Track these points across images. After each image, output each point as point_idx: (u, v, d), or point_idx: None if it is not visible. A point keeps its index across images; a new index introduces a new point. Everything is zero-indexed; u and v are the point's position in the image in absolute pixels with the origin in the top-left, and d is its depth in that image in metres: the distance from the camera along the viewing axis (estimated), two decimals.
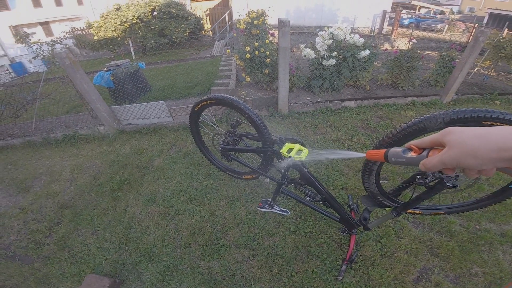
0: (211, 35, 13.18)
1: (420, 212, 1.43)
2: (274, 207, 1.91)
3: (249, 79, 4.31)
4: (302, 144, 1.41)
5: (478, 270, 1.64)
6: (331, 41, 3.69)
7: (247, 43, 4.40)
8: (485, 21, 16.99)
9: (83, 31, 12.98)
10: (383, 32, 10.15)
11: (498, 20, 16.20)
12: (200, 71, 6.59)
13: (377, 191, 1.32)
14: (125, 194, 2.45)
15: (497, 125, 0.88)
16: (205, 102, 1.82)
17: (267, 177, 1.86)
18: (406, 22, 15.26)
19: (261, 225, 1.99)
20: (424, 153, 0.50)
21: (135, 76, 4.78)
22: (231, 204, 2.20)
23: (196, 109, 1.95)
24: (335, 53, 3.72)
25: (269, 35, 4.48)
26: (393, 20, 10.09)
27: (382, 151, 0.65)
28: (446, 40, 9.23)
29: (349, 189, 2.24)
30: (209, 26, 14.92)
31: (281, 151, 1.37)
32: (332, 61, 3.70)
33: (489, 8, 17.96)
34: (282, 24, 2.85)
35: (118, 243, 2.01)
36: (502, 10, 18.03)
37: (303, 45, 4.06)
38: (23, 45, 4.52)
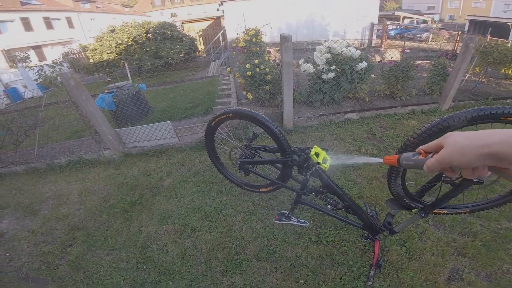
0: (205, 56, 13.46)
1: (446, 211, 1.45)
2: (292, 219, 1.90)
3: (251, 96, 4.38)
4: (327, 151, 1.45)
5: (509, 267, 1.65)
6: (329, 54, 3.83)
7: (247, 60, 4.52)
8: (466, 28, 17.81)
9: (78, 55, 13.06)
10: (372, 45, 10.58)
11: (478, 26, 16.96)
12: (199, 92, 6.67)
13: (403, 193, 1.35)
14: (138, 214, 2.41)
15: None
16: (222, 117, 1.86)
17: (287, 187, 1.87)
18: (392, 33, 15.93)
19: (280, 237, 1.97)
20: (430, 155, 0.53)
21: (137, 97, 4.81)
22: (247, 218, 2.17)
23: (212, 124, 1.98)
24: (334, 66, 3.85)
25: (266, 52, 4.62)
26: (380, 32, 10.57)
27: (396, 156, 0.69)
28: (434, 49, 9.66)
29: (364, 197, 2.26)
30: (203, 47, 15.29)
31: (310, 153, 1.40)
32: (332, 75, 3.82)
33: (469, 15, 18.84)
34: (284, 39, 2.96)
35: (136, 262, 1.96)
36: (481, 16, 18.94)
37: (301, 61, 4.20)
38: (17, 70, 4.53)
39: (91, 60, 10.89)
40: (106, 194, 2.79)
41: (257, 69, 4.14)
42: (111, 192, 2.79)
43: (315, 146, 1.45)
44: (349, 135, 3.34)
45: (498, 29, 14.44)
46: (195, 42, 12.32)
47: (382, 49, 9.88)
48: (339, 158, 1.38)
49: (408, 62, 3.92)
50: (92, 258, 2.07)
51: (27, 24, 19.37)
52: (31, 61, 11.74)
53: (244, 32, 5.31)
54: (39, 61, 16.55)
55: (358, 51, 3.85)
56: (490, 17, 19.36)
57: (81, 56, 12.93)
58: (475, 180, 0.94)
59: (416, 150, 0.59)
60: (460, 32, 9.80)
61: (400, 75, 3.99)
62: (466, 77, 5.07)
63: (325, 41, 3.98)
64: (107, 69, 10.45)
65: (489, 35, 7.13)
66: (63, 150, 3.95)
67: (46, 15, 20.91)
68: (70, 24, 22.99)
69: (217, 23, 18.01)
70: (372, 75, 4.67)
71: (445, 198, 1.16)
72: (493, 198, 1.36)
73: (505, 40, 10.07)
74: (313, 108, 4.14)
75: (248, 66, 4.23)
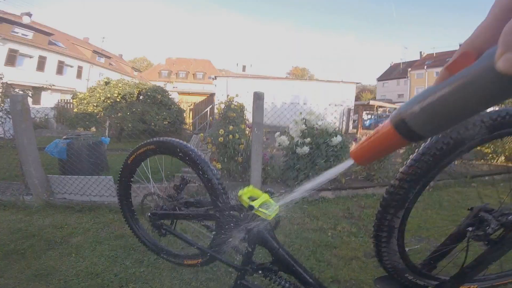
0: (191, 130, 13.55)
1: (476, 286, 0.91)
2: None
3: (219, 166, 4.00)
4: (272, 195, 1.01)
5: None
6: (304, 126, 3.73)
7: (222, 126, 4.36)
8: None
9: (68, 104, 12.90)
10: (349, 132, 11.25)
11: None
12: (169, 159, 6.21)
13: (402, 265, 0.84)
14: (9, 264, 1.84)
15: None
16: (141, 150, 1.42)
17: (223, 261, 1.25)
18: (367, 123, 17.36)
19: None
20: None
21: (94, 150, 4.33)
22: None
23: (129, 161, 1.50)
24: (309, 139, 3.70)
25: (245, 126, 4.46)
26: (356, 122, 11.42)
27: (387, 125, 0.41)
28: None
29: (341, 282, 1.71)
30: (191, 120, 15.58)
31: (238, 193, 0.96)
32: (306, 149, 3.62)
33: None
34: (256, 97, 2.81)
35: None
36: None
37: (277, 134, 4.07)
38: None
39: (75, 110, 10.67)
40: None
41: (230, 136, 3.94)
42: None
43: (250, 186, 1.02)
44: (323, 213, 2.94)
45: None
46: (184, 114, 12.47)
47: (358, 135, 10.44)
48: (291, 193, 0.89)
49: None
50: None
51: (41, 64, 20.10)
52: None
53: (226, 100, 5.37)
54: (32, 104, 16.16)
55: (332, 124, 3.80)
56: None
57: (70, 107, 12.76)
58: None
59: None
60: None
61: None
62: None
63: (300, 113, 3.93)
64: (87, 122, 10.09)
65: None
66: None
67: (63, 59, 21.79)
68: (79, 74, 23.69)
69: (209, 100, 18.84)
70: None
71: (479, 264, 0.74)
72: None
73: None
74: (286, 186, 3.77)
75: (221, 131, 4.04)
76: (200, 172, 1.26)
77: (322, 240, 2.25)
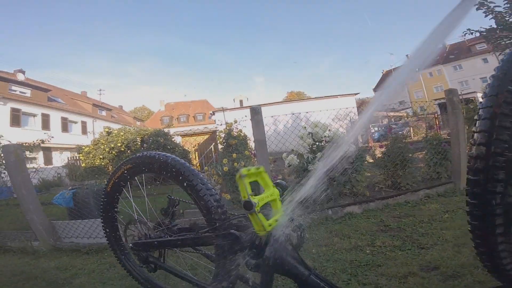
0: (199, 170, 13.31)
1: None
2: None
3: (228, 196, 3.72)
4: (283, 193, 0.81)
5: None
6: (311, 140, 3.47)
7: (225, 155, 4.14)
8: (438, 111, 19.41)
9: (77, 161, 12.92)
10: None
11: (446, 107, 18.51)
12: (181, 196, 6.02)
13: None
14: None
15: None
16: (118, 173, 1.22)
17: None
18: (376, 136, 16.97)
19: None
20: None
21: (99, 195, 4.17)
22: None
23: (108, 189, 1.30)
24: (319, 153, 3.41)
25: (250, 153, 4.26)
26: (365, 137, 11.09)
27: None
28: (419, 141, 9.85)
29: None
30: (197, 161, 15.41)
31: (242, 171, 0.71)
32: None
33: (436, 99, 20.78)
34: (254, 111, 2.58)
35: None
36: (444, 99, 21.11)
37: (284, 154, 3.81)
38: None
39: (83, 164, 10.61)
40: None
41: (235, 164, 3.71)
42: None
43: (262, 167, 0.79)
44: (354, 229, 2.57)
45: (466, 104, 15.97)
46: (189, 155, 12.35)
47: (370, 147, 10.08)
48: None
49: (400, 141, 3.56)
50: None
51: (46, 122, 20.29)
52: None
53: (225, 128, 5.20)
54: (45, 164, 16.19)
55: (341, 130, 3.55)
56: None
57: (78, 163, 12.79)
58: None
59: None
60: (436, 115, 10.40)
61: (397, 158, 3.51)
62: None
63: (305, 127, 3.68)
64: (96, 176, 10.02)
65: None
66: None
67: (65, 115, 22.14)
68: (84, 129, 23.94)
69: (212, 138, 18.71)
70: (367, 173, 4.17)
71: None
72: None
73: None
74: (304, 208, 3.39)
75: (225, 161, 3.82)
76: (184, 183, 1.01)
77: (361, 260, 1.88)
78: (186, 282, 1.11)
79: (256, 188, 0.82)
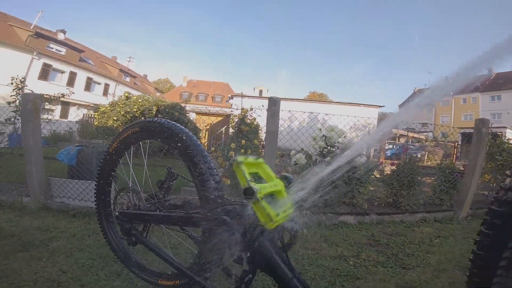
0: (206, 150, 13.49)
1: None
2: None
3: (228, 181, 3.73)
4: (289, 184, 0.74)
5: None
6: (323, 143, 3.43)
7: (234, 140, 4.16)
8: (460, 141, 18.63)
9: (91, 119, 13.29)
10: (370, 159, 10.67)
11: (469, 138, 17.63)
12: (181, 171, 6.10)
13: None
14: None
15: None
16: (124, 135, 1.19)
17: (206, 286, 0.91)
18: (389, 153, 16.60)
19: None
20: None
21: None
22: None
23: (110, 150, 1.25)
24: (329, 158, 3.37)
25: (259, 143, 4.27)
26: (377, 151, 10.81)
27: None
28: (432, 166, 9.54)
29: None
30: (206, 140, 15.53)
31: (238, 158, 0.66)
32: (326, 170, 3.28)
33: (460, 128, 20.01)
34: (272, 102, 2.59)
35: None
36: (471, 128, 20.08)
37: (293, 152, 3.79)
38: None
39: (96, 123, 10.89)
40: None
41: (242, 150, 3.72)
42: None
43: (261, 159, 0.73)
44: (343, 238, 2.58)
45: (493, 138, 15.11)
46: (200, 134, 12.43)
47: (381, 162, 9.86)
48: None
49: (413, 164, 3.46)
50: None
51: (71, 79, 21.23)
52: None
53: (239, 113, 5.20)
54: (60, 118, 16.88)
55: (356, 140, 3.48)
56: None
57: (92, 121, 13.17)
58: None
59: None
60: (456, 144, 9.88)
61: (405, 179, 3.43)
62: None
63: (320, 129, 3.64)
64: (105, 136, 10.29)
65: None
66: None
67: (91, 76, 23.07)
68: (105, 91, 24.72)
69: (226, 121, 18.61)
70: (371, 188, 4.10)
71: None
72: None
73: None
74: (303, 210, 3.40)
75: (233, 145, 3.84)
76: (188, 157, 0.99)
77: (342, 270, 1.90)
78: (163, 261, 1.08)
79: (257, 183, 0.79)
